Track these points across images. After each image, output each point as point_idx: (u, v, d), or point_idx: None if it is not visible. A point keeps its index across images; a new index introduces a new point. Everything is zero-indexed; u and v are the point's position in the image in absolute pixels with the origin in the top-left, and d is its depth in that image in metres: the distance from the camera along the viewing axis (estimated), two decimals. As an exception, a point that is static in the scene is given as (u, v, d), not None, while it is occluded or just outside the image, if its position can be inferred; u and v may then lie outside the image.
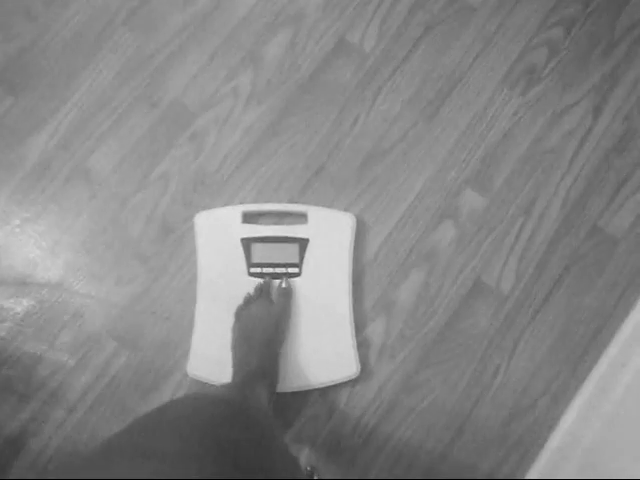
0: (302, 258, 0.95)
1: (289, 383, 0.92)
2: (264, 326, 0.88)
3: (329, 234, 0.96)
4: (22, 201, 0.99)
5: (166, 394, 0.95)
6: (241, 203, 1.00)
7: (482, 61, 1.06)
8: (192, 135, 1.02)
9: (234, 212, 0.97)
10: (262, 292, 0.93)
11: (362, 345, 0.97)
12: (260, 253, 0.95)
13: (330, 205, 1.01)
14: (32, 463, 0.93)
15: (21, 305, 0.96)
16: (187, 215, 0.99)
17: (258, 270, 0.95)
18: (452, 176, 1.03)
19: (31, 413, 0.94)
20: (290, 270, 0.95)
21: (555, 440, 0.97)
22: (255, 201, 1.00)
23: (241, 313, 0.92)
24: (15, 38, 1.03)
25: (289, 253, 0.96)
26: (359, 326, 0.97)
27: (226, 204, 1.00)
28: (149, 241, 0.99)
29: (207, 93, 1.03)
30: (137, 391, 0.95)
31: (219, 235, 0.96)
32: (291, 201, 1.01)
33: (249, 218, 0.98)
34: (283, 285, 0.94)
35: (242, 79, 1.04)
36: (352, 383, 0.95)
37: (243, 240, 0.95)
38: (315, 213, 0.97)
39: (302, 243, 0.96)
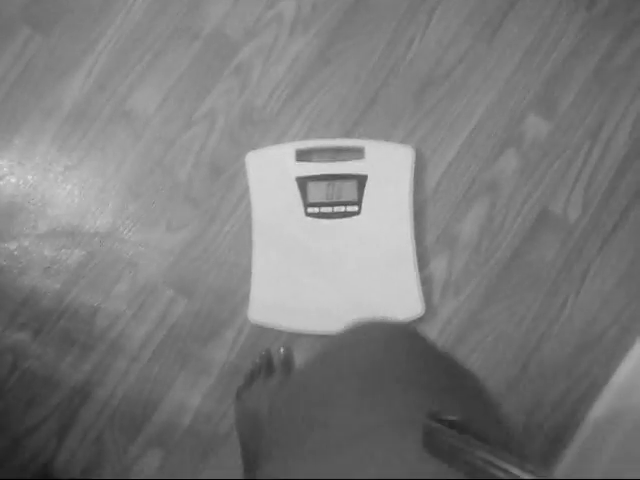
0: (361, 195, 0.98)
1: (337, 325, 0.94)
2: (266, 405, 0.89)
3: (388, 169, 0.98)
4: (63, 147, 1.01)
5: (227, 340, 1.01)
6: (293, 140, 1.01)
7: (544, -27, 1.05)
8: (236, 68, 1.02)
9: (287, 150, 0.98)
10: (261, 367, 0.96)
11: (425, 282, 1.01)
12: (317, 192, 0.98)
13: (386, 137, 1.02)
14: (99, 412, 1.00)
15: (73, 256, 1.00)
16: (237, 154, 1.01)
17: (316, 210, 0.98)
18: (514, 101, 1.03)
19: (93, 364, 1.00)
20: (349, 208, 0.98)
21: (622, 373, 1.03)
22: (307, 137, 1.02)
23: (242, 393, 0.95)
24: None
25: (347, 191, 0.98)
26: (421, 263, 1.00)
27: (277, 141, 1.02)
28: (199, 183, 1.01)
29: (249, 21, 1.02)
30: (197, 338, 1.01)
31: (272, 175, 0.98)
32: (345, 135, 1.02)
33: (303, 156, 0.99)
34: (281, 351, 0.98)
35: (286, 3, 1.03)
36: (416, 322, 0.99)
37: (298, 179, 0.97)
38: (372, 147, 0.98)
39: (360, 179, 0.98)
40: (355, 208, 0.98)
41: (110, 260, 1.01)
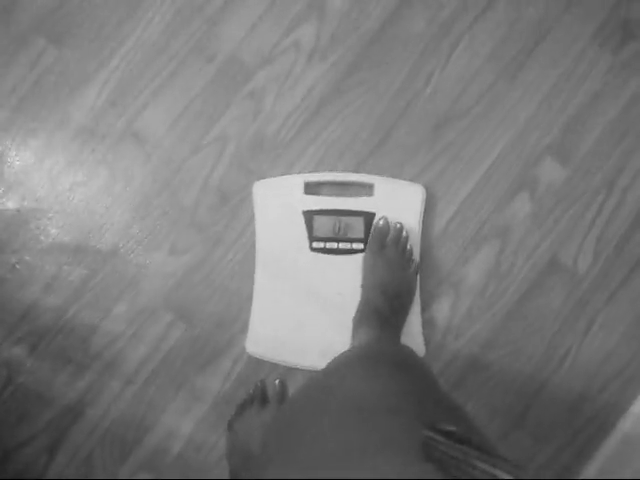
0: (368, 233, 0.97)
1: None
2: (258, 437, 0.90)
3: (397, 207, 0.97)
4: (72, 162, 1.00)
5: (223, 369, 1.01)
6: (302, 171, 1.01)
7: (572, 12, 1.02)
8: (250, 94, 1.01)
9: (295, 182, 0.98)
10: (254, 398, 0.97)
11: (426, 324, 1.00)
12: (323, 227, 0.97)
13: (398, 173, 1.01)
14: (91, 432, 1.00)
15: (75, 273, 1.00)
16: (245, 182, 1.01)
17: (321, 245, 0.97)
18: (532, 143, 1.02)
19: (88, 383, 1.00)
20: (355, 245, 0.97)
21: (625, 425, 1.02)
22: (317, 168, 1.01)
23: (234, 423, 0.96)
24: (56, -19, 1.01)
25: (354, 227, 0.97)
26: (424, 304, 1.00)
27: (286, 171, 1.01)
28: (205, 209, 1.01)
29: (266, 46, 1.01)
30: (194, 365, 1.01)
31: (279, 206, 0.98)
32: (356, 168, 1.01)
33: (311, 188, 0.99)
34: (276, 383, 0.98)
35: (305, 31, 1.01)
36: None
37: (305, 212, 0.97)
38: (382, 184, 0.98)
39: (368, 217, 0.97)
40: (361, 245, 0.97)
41: (112, 280, 1.01)
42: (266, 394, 0.99)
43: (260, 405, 0.96)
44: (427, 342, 1.00)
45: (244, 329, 1.00)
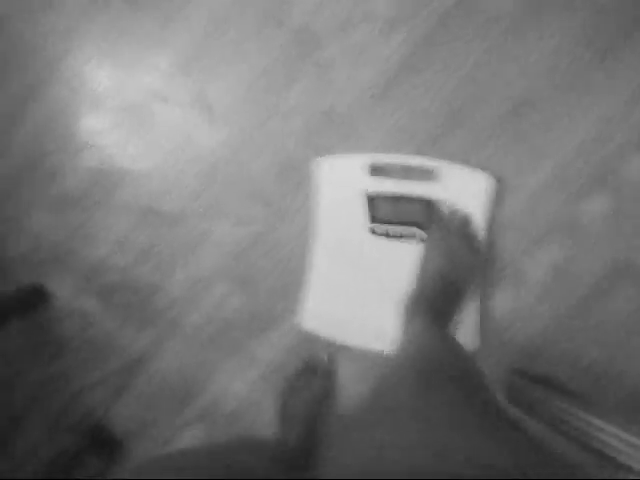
0: (429, 220, 0.96)
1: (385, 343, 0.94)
2: (307, 408, 0.96)
3: (462, 196, 0.95)
4: (142, 124, 1.04)
5: (274, 338, 1.05)
6: (368, 150, 0.99)
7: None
8: (321, 65, 0.99)
9: (360, 162, 0.97)
10: (305, 371, 1.01)
11: (484, 317, 0.99)
12: (386, 210, 0.96)
13: (467, 157, 0.97)
14: (152, 381, 1.10)
15: (142, 236, 1.06)
16: (311, 155, 1.00)
17: (382, 228, 0.97)
18: (621, 134, 0.94)
19: (151, 338, 1.08)
20: (416, 231, 0.97)
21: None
22: (384, 147, 0.99)
23: (284, 395, 1.02)
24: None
25: (417, 213, 0.96)
26: (484, 296, 0.99)
27: (352, 147, 0.99)
28: (271, 181, 1.02)
29: (339, 17, 0.98)
30: (249, 332, 1.06)
31: (341, 185, 0.97)
32: (423, 151, 0.98)
33: (376, 170, 0.97)
34: (325, 358, 1.01)
35: (379, 1, 0.97)
36: None
37: (368, 194, 0.96)
38: (449, 171, 0.95)
39: (432, 203, 0.95)
40: (423, 232, 0.97)
41: (176, 245, 1.06)
42: (315, 368, 1.02)
43: (309, 379, 1.00)
44: (485, 335, 0.99)
45: (296, 300, 1.03)
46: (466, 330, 0.97)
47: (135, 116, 1.04)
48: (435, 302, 0.88)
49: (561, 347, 0.99)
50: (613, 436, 0.71)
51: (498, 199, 0.97)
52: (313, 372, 1.02)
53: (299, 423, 0.96)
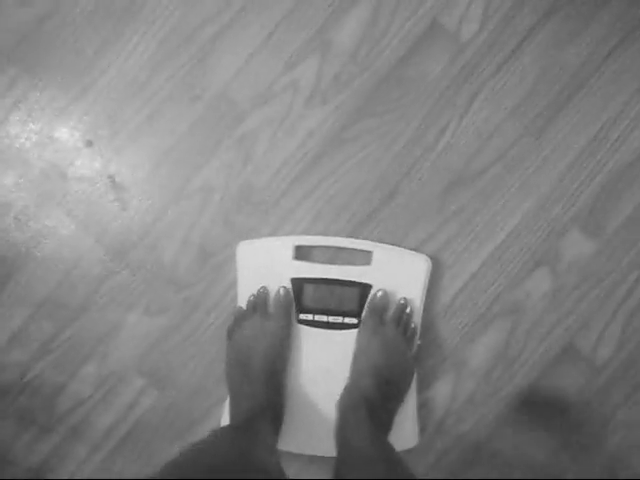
0: (362, 306, 0.90)
1: (324, 447, 0.88)
2: (262, 349, 0.86)
3: (397, 279, 0.90)
4: (41, 205, 0.94)
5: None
6: (293, 231, 0.94)
7: (615, 61, 0.91)
8: (240, 138, 0.93)
9: (285, 245, 0.90)
10: (256, 305, 0.90)
11: (422, 407, 0.95)
12: (313, 297, 0.90)
13: (402, 238, 0.94)
14: (54, 499, 0.97)
15: (43, 329, 0.95)
16: (229, 239, 0.94)
17: (309, 317, 0.91)
18: (557, 211, 0.93)
19: (52, 447, 0.97)
20: (347, 320, 0.90)
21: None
22: (310, 228, 0.94)
23: (233, 333, 0.90)
24: (32, 2, 0.92)
25: (348, 299, 0.90)
26: (422, 384, 0.94)
27: (276, 228, 0.94)
28: (185, 266, 0.95)
29: (260, 85, 0.92)
30: (166, 436, 0.96)
31: (265, 271, 0.91)
32: (354, 232, 0.94)
33: (302, 253, 0.92)
34: (281, 292, 0.89)
35: (305, 69, 0.92)
36: (404, 451, 0.92)
37: (294, 280, 0.90)
38: (382, 253, 0.90)
39: (364, 289, 0.90)
40: (354, 320, 0.91)
41: (80, 338, 0.96)
42: (267, 303, 0.91)
43: (262, 314, 0.89)
44: (423, 426, 0.94)
45: (222, 400, 0.94)
46: (402, 427, 0.91)
47: (36, 190, 0.94)
48: (371, 399, 0.82)
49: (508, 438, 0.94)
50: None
51: (436, 282, 0.94)
52: (264, 310, 0.90)
53: (258, 372, 0.85)
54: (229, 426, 0.78)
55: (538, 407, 0.95)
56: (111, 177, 0.94)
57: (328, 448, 0.84)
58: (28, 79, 0.93)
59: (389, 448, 0.73)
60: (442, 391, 0.95)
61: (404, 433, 0.91)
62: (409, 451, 0.92)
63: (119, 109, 0.93)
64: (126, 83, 0.93)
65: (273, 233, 0.94)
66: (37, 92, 0.93)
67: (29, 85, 0.92)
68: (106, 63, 0.92)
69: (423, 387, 0.94)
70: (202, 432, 0.96)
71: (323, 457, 0.91)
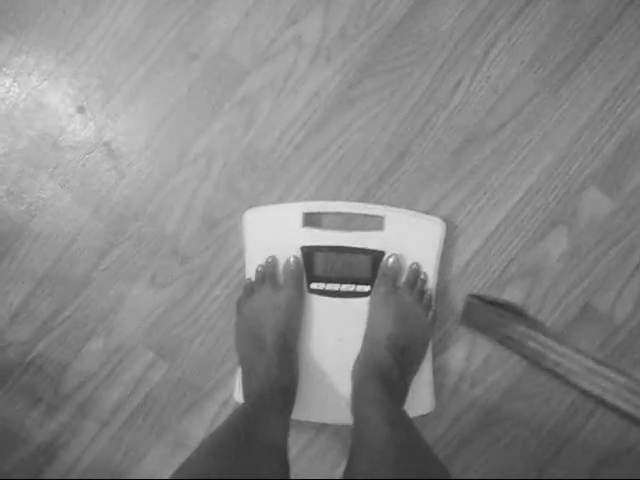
0: (375, 274, 0.91)
1: (338, 415, 0.92)
2: (273, 321, 0.87)
3: (411, 244, 0.91)
4: (33, 174, 0.94)
5: (208, 414, 0.99)
6: (301, 197, 0.94)
7: (637, 9, 0.90)
8: (241, 100, 0.92)
9: (293, 212, 0.91)
10: (265, 276, 0.91)
11: (438, 371, 0.97)
12: (324, 265, 0.91)
13: (414, 201, 0.94)
14: (64, 475, 1.00)
15: (43, 307, 0.97)
16: (234, 206, 0.94)
17: (321, 286, 0.92)
18: (575, 169, 0.93)
19: (60, 424, 0.99)
20: (359, 288, 0.92)
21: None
22: (318, 193, 0.94)
23: (243, 305, 0.91)
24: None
25: (360, 267, 0.91)
26: (438, 349, 0.96)
27: (283, 195, 0.94)
28: (189, 236, 0.95)
29: (261, 43, 0.91)
30: (176, 409, 0.99)
31: (273, 239, 0.92)
32: (364, 196, 0.94)
33: (311, 220, 0.92)
34: (291, 262, 0.90)
35: (308, 24, 0.91)
36: (420, 418, 0.94)
37: (304, 249, 0.91)
38: (394, 217, 0.91)
39: (376, 255, 0.91)
40: (367, 288, 0.92)
41: (84, 314, 0.97)
42: (277, 273, 0.92)
43: (272, 285, 0.90)
44: (437, 390, 0.96)
45: (232, 371, 0.97)
46: (420, 392, 0.93)
47: (27, 161, 0.94)
48: (386, 368, 0.84)
49: (524, 400, 0.98)
50: (565, 356, 0.83)
51: (450, 246, 0.95)
52: (273, 280, 0.91)
53: (271, 346, 0.86)
54: (242, 405, 0.79)
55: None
56: (106, 144, 0.93)
57: (342, 416, 0.89)
58: (12, 41, 0.91)
59: (405, 421, 0.74)
60: (457, 355, 0.97)
61: (420, 399, 0.94)
62: (424, 416, 0.94)
63: (111, 71, 0.92)
64: (117, 42, 0.91)
65: (280, 200, 0.94)
66: (23, 55, 0.91)
67: (13, 48, 0.91)
68: (94, 21, 0.91)
69: (437, 352, 0.96)
70: (212, 406, 0.99)
71: (333, 427, 0.96)
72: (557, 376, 0.84)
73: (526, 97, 0.92)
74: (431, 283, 0.92)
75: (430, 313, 0.91)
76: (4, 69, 0.91)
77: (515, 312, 0.79)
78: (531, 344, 0.69)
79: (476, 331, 0.67)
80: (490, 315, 0.80)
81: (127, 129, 0.93)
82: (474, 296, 0.75)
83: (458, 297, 0.95)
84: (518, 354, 0.81)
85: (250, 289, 0.91)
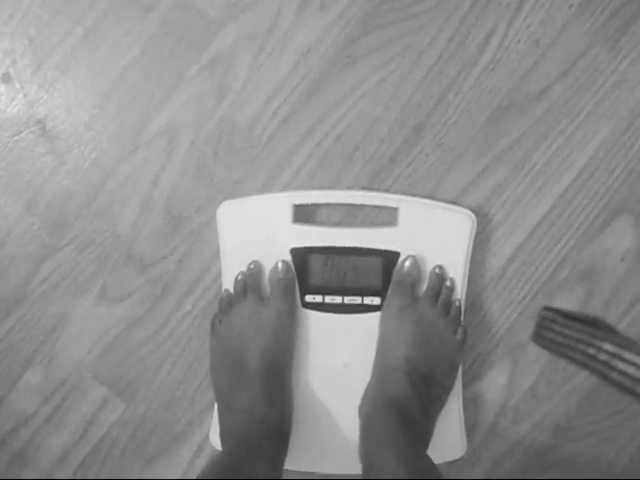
0: (387, 281, 0.80)
1: (344, 465, 0.82)
2: (258, 343, 0.78)
3: (432, 244, 0.80)
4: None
5: (180, 462, 0.88)
6: (291, 185, 0.84)
7: None
8: (212, 62, 0.82)
9: (281, 204, 0.80)
10: (247, 286, 0.80)
11: (470, 404, 0.86)
12: (322, 272, 0.80)
13: (435, 188, 0.83)
14: None
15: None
16: (206, 198, 0.84)
17: (318, 298, 0.81)
18: (640, 144, 0.84)
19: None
20: (368, 300, 0.81)
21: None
22: (312, 180, 0.84)
23: (219, 324, 0.82)
24: None
25: (368, 274, 0.80)
26: (470, 376, 0.86)
27: (266, 183, 0.84)
28: (148, 237, 0.85)
29: (236, -11, 0.82)
30: (139, 457, 0.88)
31: (256, 239, 0.81)
32: (371, 181, 0.83)
33: (304, 214, 0.82)
34: (280, 268, 0.80)
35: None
36: (447, 464, 0.85)
37: (294, 251, 0.80)
38: (410, 209, 0.80)
39: (389, 258, 0.80)
40: (377, 300, 0.81)
41: (18, 338, 0.87)
42: (261, 283, 0.82)
43: (256, 298, 0.80)
44: (471, 428, 0.86)
45: (209, 408, 0.86)
46: (447, 433, 0.82)
47: None
48: (404, 401, 0.74)
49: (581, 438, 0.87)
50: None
51: (483, 245, 0.84)
52: (256, 291, 0.80)
53: (254, 374, 0.76)
54: (221, 453, 0.71)
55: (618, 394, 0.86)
56: (40, 122, 0.84)
57: (348, 465, 0.79)
58: None
59: (429, 470, 0.66)
60: (495, 384, 0.86)
61: (448, 441, 0.83)
62: (454, 463, 0.85)
63: (43, 30, 0.83)
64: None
65: (265, 189, 0.85)
66: None
67: None
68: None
69: (469, 380, 0.86)
70: (184, 451, 0.88)
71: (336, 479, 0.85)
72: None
73: (576, 52, 0.81)
74: (459, 292, 0.82)
75: (459, 330, 0.80)
76: None
77: (600, 327, 0.76)
78: (620, 366, 0.63)
79: (552, 352, 0.64)
80: (570, 332, 0.76)
81: (65, 103, 0.83)
82: (549, 309, 0.71)
83: (494, 309, 0.85)
84: (604, 380, 0.72)
85: (228, 303, 0.82)
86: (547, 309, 0.84)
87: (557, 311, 0.79)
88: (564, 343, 0.81)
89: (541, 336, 0.84)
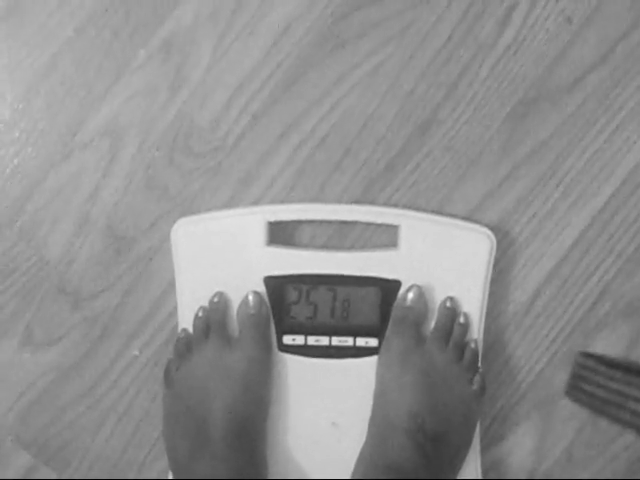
0: (386, 317, 0.76)
1: None
2: (223, 396, 0.74)
3: (441, 269, 0.76)
4: None
5: None
6: (264, 198, 0.80)
7: None
8: (164, 46, 0.78)
9: (252, 221, 0.76)
10: (210, 325, 0.77)
11: (490, 471, 0.81)
12: (303, 307, 0.76)
13: (445, 201, 0.79)
14: None
15: None
16: (157, 214, 0.80)
17: (299, 340, 0.76)
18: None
19: None
20: (361, 342, 0.76)
21: None
22: (291, 191, 0.80)
23: (175, 373, 0.78)
24: None
25: (361, 308, 0.76)
26: (493, 433, 0.81)
27: (233, 194, 0.80)
28: (84, 263, 0.80)
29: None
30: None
31: (221, 266, 0.77)
32: (365, 193, 0.80)
33: (281, 233, 0.78)
34: (250, 302, 0.76)
35: None
36: None
37: (269, 280, 0.75)
38: (414, 227, 0.76)
39: (388, 288, 0.75)
40: (374, 341, 0.76)
41: None
42: (226, 320, 0.77)
43: (221, 340, 0.76)
44: None
45: (163, 476, 0.81)
46: None
47: None
48: (407, 468, 0.71)
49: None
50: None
51: (503, 271, 0.80)
52: (223, 327, 0.77)
53: (220, 433, 0.72)
54: None
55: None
56: None
57: None
58: None
59: None
60: (521, 446, 0.82)
61: None
62: None
63: None
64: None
65: (231, 202, 0.81)
66: None
67: None
68: None
69: (489, 442, 0.82)
70: None
71: None
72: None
73: (617, 32, 0.77)
74: (476, 331, 0.77)
75: (476, 379, 0.76)
76: None
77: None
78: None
79: (590, 408, 0.63)
80: (613, 384, 0.75)
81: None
82: (588, 355, 0.71)
83: (519, 353, 0.81)
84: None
85: (186, 347, 0.77)
86: (585, 355, 0.82)
87: (598, 358, 0.79)
88: (606, 398, 0.80)
89: (578, 389, 0.82)
